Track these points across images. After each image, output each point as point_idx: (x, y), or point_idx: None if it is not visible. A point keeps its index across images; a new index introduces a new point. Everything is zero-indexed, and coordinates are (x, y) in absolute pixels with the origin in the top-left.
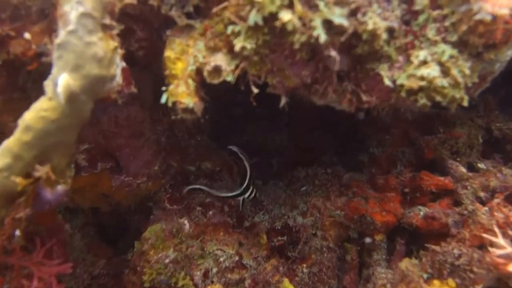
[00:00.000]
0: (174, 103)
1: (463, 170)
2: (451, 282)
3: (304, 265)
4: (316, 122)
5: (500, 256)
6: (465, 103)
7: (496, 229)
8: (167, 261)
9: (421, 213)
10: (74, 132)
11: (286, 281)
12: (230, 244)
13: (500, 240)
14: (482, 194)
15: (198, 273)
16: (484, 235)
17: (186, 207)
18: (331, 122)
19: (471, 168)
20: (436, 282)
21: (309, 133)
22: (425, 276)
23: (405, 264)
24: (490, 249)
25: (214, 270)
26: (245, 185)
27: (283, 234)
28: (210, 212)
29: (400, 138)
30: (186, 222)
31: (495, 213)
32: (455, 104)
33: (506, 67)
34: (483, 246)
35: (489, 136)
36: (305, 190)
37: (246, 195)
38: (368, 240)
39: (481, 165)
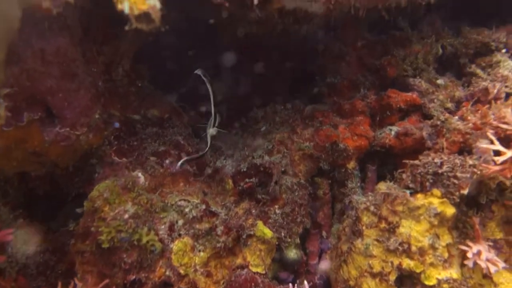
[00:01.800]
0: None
1: (426, 85)
2: (436, 191)
3: (276, 206)
4: (263, 64)
5: (503, 162)
6: None
7: (492, 137)
8: (126, 216)
9: (393, 132)
10: None
11: (260, 224)
12: (194, 193)
13: (499, 146)
14: (449, 105)
15: (163, 227)
16: (484, 146)
17: (137, 159)
18: (279, 62)
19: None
20: (419, 196)
21: (258, 76)
22: (407, 192)
23: (383, 186)
24: (494, 158)
25: (180, 222)
26: (213, 115)
27: (250, 176)
28: (167, 161)
29: (356, 65)
30: (140, 174)
31: (469, 117)
32: None
33: None
34: (463, 150)
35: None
36: (266, 129)
37: (214, 125)
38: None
39: (439, 81)
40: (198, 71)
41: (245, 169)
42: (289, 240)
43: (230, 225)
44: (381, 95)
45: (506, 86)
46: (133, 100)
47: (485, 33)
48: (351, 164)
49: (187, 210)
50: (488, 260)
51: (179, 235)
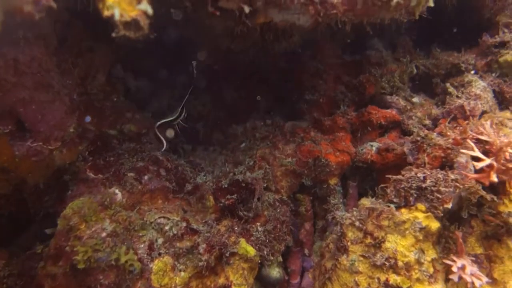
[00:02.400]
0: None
1: (404, 102)
2: (420, 206)
3: (258, 224)
4: (240, 81)
5: (481, 169)
6: (431, 4)
7: (471, 143)
8: (103, 234)
9: (374, 148)
10: None
11: (243, 242)
12: (174, 210)
13: (478, 153)
14: (427, 121)
15: (142, 245)
16: (463, 151)
17: (114, 175)
18: (257, 77)
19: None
20: (404, 211)
21: (235, 92)
22: (391, 206)
23: (366, 201)
24: (474, 163)
25: (160, 240)
26: (179, 110)
27: (232, 192)
28: (146, 177)
29: (333, 82)
30: (117, 191)
31: (449, 133)
32: (420, 7)
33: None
34: (445, 165)
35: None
36: (246, 145)
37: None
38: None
39: (415, 99)
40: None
41: (226, 185)
42: (272, 258)
43: (212, 242)
44: (362, 111)
45: (480, 104)
46: (108, 115)
47: (455, 55)
48: (333, 180)
49: (167, 228)
50: (472, 274)
51: (159, 254)
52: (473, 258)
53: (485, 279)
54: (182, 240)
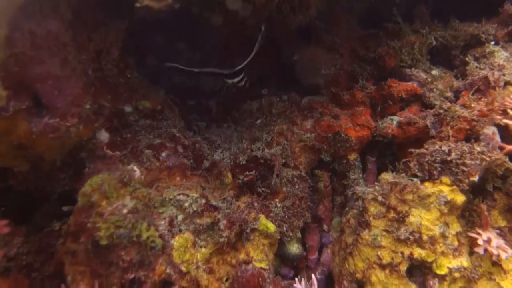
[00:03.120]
0: None
1: (425, 75)
2: (445, 179)
3: (277, 200)
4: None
5: None
6: None
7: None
8: (125, 211)
9: (394, 122)
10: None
11: (262, 218)
12: (192, 187)
13: None
14: (449, 94)
15: (162, 222)
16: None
17: (132, 152)
18: (268, 52)
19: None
20: (428, 185)
21: (249, 69)
22: (415, 180)
23: (388, 176)
24: None
25: (180, 217)
26: (241, 66)
27: (250, 169)
28: (163, 154)
29: (349, 56)
30: (135, 168)
31: (473, 105)
32: None
33: None
34: (470, 138)
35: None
36: (262, 122)
37: (236, 80)
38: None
39: (434, 72)
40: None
41: (244, 162)
42: (291, 234)
43: (233, 219)
44: (381, 84)
45: (504, 75)
46: (123, 91)
47: (474, 26)
48: (353, 155)
49: (186, 204)
50: (498, 247)
51: (180, 230)
52: (497, 231)
53: (510, 251)
54: (202, 217)
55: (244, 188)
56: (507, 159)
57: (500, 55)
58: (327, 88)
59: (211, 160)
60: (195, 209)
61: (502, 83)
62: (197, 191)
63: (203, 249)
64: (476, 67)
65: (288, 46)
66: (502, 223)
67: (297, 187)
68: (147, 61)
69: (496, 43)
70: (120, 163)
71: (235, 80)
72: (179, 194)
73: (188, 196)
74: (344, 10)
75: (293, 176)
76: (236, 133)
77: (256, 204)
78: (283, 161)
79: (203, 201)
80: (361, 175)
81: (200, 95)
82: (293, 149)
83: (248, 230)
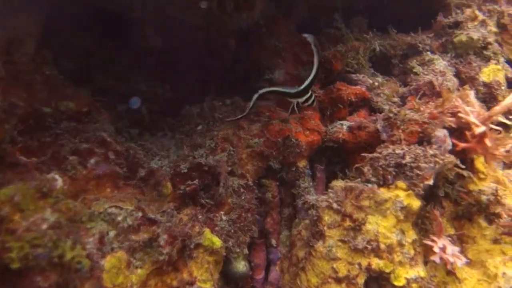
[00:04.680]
0: None
1: (371, 79)
2: (400, 184)
3: (222, 212)
4: (189, 60)
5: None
6: None
7: (467, 109)
8: (44, 226)
9: (345, 126)
10: None
11: (207, 232)
12: (126, 199)
13: (474, 120)
14: (396, 99)
15: (91, 239)
16: (462, 115)
17: (53, 158)
18: (209, 58)
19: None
20: (383, 190)
21: (185, 72)
22: (369, 186)
23: (340, 183)
24: (474, 128)
25: (112, 233)
26: (308, 82)
27: (193, 178)
28: (92, 161)
29: (292, 61)
30: (57, 177)
31: (422, 108)
32: None
33: None
34: (422, 141)
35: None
36: (204, 127)
37: (302, 99)
38: None
39: (378, 78)
40: (309, 37)
41: (186, 170)
42: (238, 250)
43: (175, 233)
44: (330, 88)
45: (446, 81)
46: (40, 90)
47: (411, 35)
48: (303, 162)
49: (120, 218)
50: (453, 254)
51: (112, 249)
52: (450, 239)
53: (464, 259)
54: (139, 232)
55: (186, 199)
56: (458, 162)
57: (440, 63)
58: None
59: (147, 169)
60: (130, 223)
61: (445, 88)
62: (132, 203)
63: (139, 270)
64: (421, 73)
65: (229, 50)
66: (451, 231)
67: (243, 198)
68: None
69: (432, 53)
70: (37, 171)
71: (301, 99)
72: (110, 207)
73: (121, 209)
74: (283, 15)
75: (240, 186)
76: (174, 141)
77: (200, 217)
78: (229, 168)
79: (140, 214)
80: (311, 184)
81: (131, 101)
82: (240, 155)
83: (192, 246)
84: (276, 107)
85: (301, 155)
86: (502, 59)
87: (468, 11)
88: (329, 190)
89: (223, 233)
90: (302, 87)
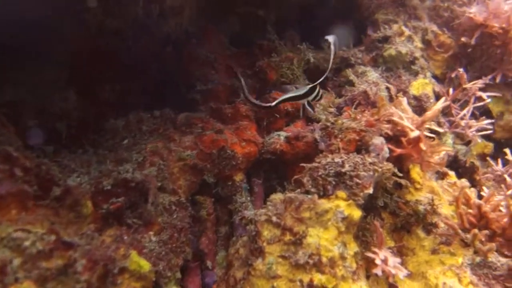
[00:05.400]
0: None
1: None
2: (341, 193)
3: (152, 232)
4: (116, 72)
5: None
6: None
7: (401, 115)
8: None
9: (282, 137)
10: None
11: (134, 254)
12: (37, 221)
13: (409, 124)
14: (332, 109)
15: None
16: (397, 120)
17: None
18: (136, 65)
19: None
20: (323, 201)
21: (108, 85)
22: (310, 197)
23: (279, 196)
24: (409, 133)
25: (17, 261)
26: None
27: (117, 195)
28: None
29: (225, 72)
30: None
31: (358, 116)
32: None
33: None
34: (361, 149)
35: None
36: (130, 141)
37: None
38: None
39: None
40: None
41: (110, 187)
42: (169, 274)
43: (95, 257)
44: (266, 97)
45: (379, 90)
46: None
47: (343, 49)
48: (239, 176)
49: (27, 243)
50: (395, 266)
51: (16, 279)
52: (390, 251)
53: (405, 271)
54: (51, 258)
55: (110, 219)
56: (396, 170)
57: (372, 74)
58: (205, 104)
59: (63, 187)
60: (40, 248)
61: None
62: (43, 226)
63: None
64: (356, 82)
65: (158, 61)
66: (391, 244)
67: (175, 216)
68: None
69: (364, 66)
70: None
71: (311, 97)
72: (16, 231)
73: (30, 232)
74: (216, 28)
75: (171, 203)
76: (96, 157)
77: (126, 238)
78: (159, 184)
79: (53, 237)
80: (249, 198)
81: (45, 116)
82: (171, 169)
83: (115, 271)
84: (210, 118)
85: (238, 168)
86: (429, 74)
87: (395, 27)
88: (268, 203)
89: (152, 255)
90: (312, 85)
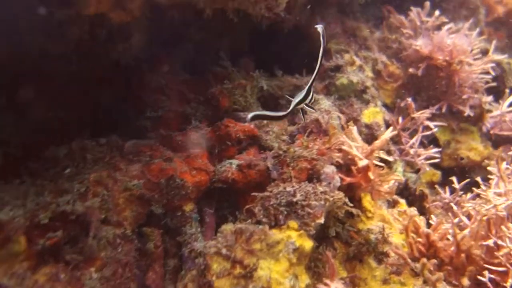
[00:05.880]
0: None
1: None
2: (292, 223)
3: (93, 269)
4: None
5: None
6: None
7: (351, 143)
8: None
9: (234, 165)
10: None
11: None
12: None
13: (358, 153)
14: (285, 137)
15: None
16: (346, 148)
17: None
18: (80, 93)
19: None
20: (275, 231)
21: (49, 111)
22: (261, 227)
23: (229, 226)
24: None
25: None
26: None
27: (55, 229)
28: None
29: (178, 99)
30: None
31: (310, 145)
32: None
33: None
34: (312, 178)
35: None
36: (73, 170)
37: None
38: None
39: None
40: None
41: (46, 220)
42: None
43: None
44: (218, 125)
45: (331, 119)
46: None
47: (296, 77)
48: (189, 206)
49: None
50: None
51: None
52: (342, 281)
53: None
54: None
55: (46, 256)
56: (347, 200)
57: (325, 102)
58: (155, 130)
59: None
60: None
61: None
62: None
63: None
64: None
65: (105, 85)
66: (343, 274)
67: (120, 250)
68: None
69: (317, 94)
70: None
71: (307, 100)
72: None
73: None
74: (169, 54)
75: (116, 236)
76: (35, 188)
77: (62, 276)
78: (103, 216)
79: None
80: (199, 229)
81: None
82: (116, 200)
83: None
84: (159, 145)
85: (188, 198)
86: (379, 102)
87: (346, 56)
88: (218, 234)
89: None
90: (307, 88)
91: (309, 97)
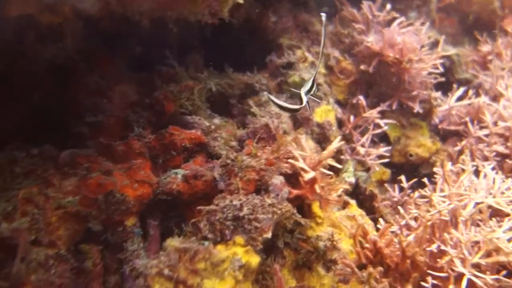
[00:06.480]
0: None
1: (208, 122)
2: (238, 239)
3: None
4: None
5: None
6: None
7: (297, 155)
8: None
9: (179, 175)
10: None
11: None
12: None
13: (304, 165)
14: (234, 143)
15: None
16: (292, 161)
17: None
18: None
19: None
20: (221, 248)
21: None
22: (206, 244)
23: (175, 242)
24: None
25: None
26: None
27: None
28: None
29: (120, 102)
30: None
31: (259, 153)
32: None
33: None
34: (260, 189)
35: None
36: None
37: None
38: None
39: (216, 120)
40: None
41: None
42: None
43: None
44: (162, 133)
45: (281, 123)
46: None
47: (248, 75)
48: (131, 220)
49: None
50: None
51: None
52: None
53: None
54: None
55: None
56: (295, 211)
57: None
58: (94, 138)
59: None
60: None
61: (281, 131)
62: None
63: None
64: (259, 115)
65: (37, 88)
66: (292, 283)
67: (53, 271)
68: None
69: (269, 93)
70: None
71: (312, 92)
72: None
73: None
74: (110, 52)
75: (48, 257)
76: None
77: None
78: (33, 237)
79: None
80: (142, 244)
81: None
82: (48, 219)
83: None
84: (98, 156)
85: (129, 212)
86: (331, 100)
87: (298, 52)
88: (161, 252)
89: None
90: (312, 80)
91: (314, 88)
